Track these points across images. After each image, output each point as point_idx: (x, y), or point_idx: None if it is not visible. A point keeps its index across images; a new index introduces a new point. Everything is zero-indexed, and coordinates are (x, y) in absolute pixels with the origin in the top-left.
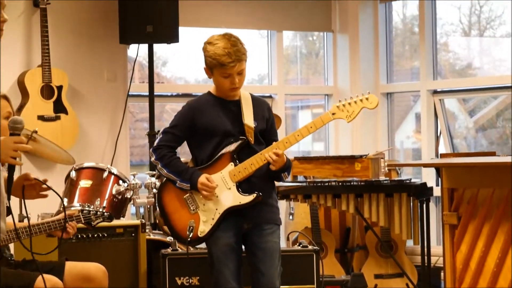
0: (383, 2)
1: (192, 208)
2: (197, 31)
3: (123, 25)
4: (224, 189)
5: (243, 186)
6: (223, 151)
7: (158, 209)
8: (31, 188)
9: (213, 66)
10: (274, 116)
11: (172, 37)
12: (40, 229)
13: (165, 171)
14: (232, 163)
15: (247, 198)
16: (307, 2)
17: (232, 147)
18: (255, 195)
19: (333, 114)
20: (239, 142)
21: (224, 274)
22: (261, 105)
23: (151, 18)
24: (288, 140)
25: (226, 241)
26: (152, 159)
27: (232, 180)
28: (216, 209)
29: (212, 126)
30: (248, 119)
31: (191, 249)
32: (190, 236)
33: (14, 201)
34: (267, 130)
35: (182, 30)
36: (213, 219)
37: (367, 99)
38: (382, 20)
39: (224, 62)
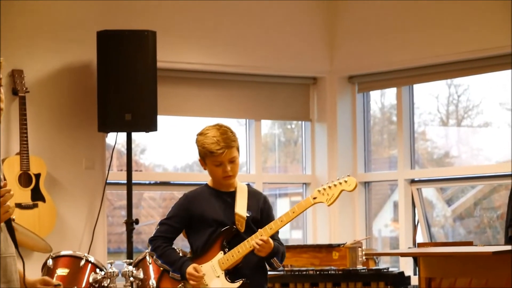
0: (361, 92)
1: None
2: (176, 119)
3: (102, 113)
4: (214, 277)
5: (231, 274)
6: (214, 240)
7: None
8: None
9: (204, 155)
10: (270, 206)
11: (150, 125)
12: None
13: (160, 262)
14: (222, 252)
15: (234, 285)
16: (285, 91)
17: (222, 235)
18: (241, 281)
19: (314, 198)
20: (229, 230)
21: None
22: (256, 196)
23: (130, 106)
24: (271, 226)
25: None
26: (148, 250)
27: (220, 268)
28: None
29: (206, 216)
30: (241, 209)
31: None
32: None
33: None
34: (262, 220)
35: (161, 119)
36: None
37: (345, 181)
38: (360, 109)
39: (213, 149)
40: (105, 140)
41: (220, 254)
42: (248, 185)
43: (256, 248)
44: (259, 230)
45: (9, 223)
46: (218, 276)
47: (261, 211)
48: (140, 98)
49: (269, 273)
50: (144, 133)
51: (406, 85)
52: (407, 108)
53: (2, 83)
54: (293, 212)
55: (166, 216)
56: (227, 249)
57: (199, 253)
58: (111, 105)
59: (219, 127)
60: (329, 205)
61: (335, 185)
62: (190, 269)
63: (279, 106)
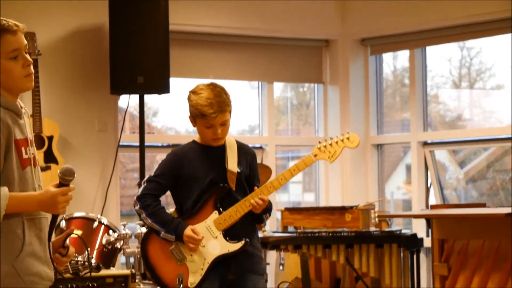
0: (374, 54)
1: (178, 259)
2: (188, 81)
3: (114, 76)
4: (211, 238)
5: (229, 234)
6: (206, 199)
7: (143, 261)
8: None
9: (195, 116)
10: (258, 164)
11: (162, 88)
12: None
13: (149, 221)
14: (216, 211)
15: (236, 246)
16: (298, 54)
17: (214, 195)
18: (243, 242)
19: (315, 155)
20: (221, 189)
21: None
22: (245, 151)
23: (142, 69)
24: (272, 185)
25: None
26: (136, 207)
27: (218, 229)
28: (205, 259)
29: (197, 175)
30: (232, 164)
31: None
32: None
33: None
34: (250, 176)
35: (173, 81)
36: (202, 269)
37: (348, 138)
38: (372, 72)
39: (206, 112)
40: (118, 103)
41: (215, 214)
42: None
43: (257, 207)
44: (258, 188)
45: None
46: (216, 237)
47: (250, 166)
48: (153, 61)
49: (282, 234)
50: (156, 95)
51: (419, 48)
52: (419, 70)
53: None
54: (294, 170)
55: (153, 174)
56: (221, 209)
57: (190, 214)
58: (123, 67)
59: (213, 87)
60: (331, 162)
61: (336, 142)
62: (188, 231)
63: (292, 68)
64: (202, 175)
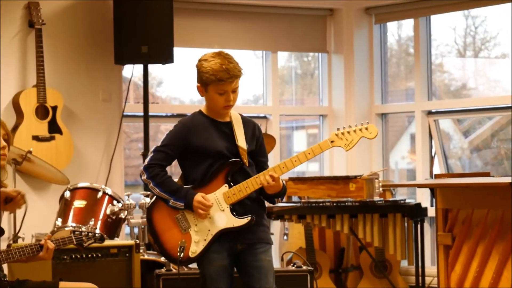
0: (378, 23)
1: (183, 228)
2: (192, 51)
3: (118, 45)
4: (218, 210)
5: (236, 208)
6: (217, 171)
7: (148, 227)
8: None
9: (209, 82)
10: (263, 136)
11: (167, 57)
12: (17, 254)
13: (158, 190)
14: (226, 185)
15: (241, 221)
16: (302, 23)
17: (226, 168)
18: (249, 218)
19: (332, 142)
20: (234, 163)
21: None
22: (250, 126)
23: (146, 38)
24: (285, 165)
25: (220, 262)
26: (143, 177)
27: (226, 202)
28: (209, 230)
29: (205, 147)
30: (241, 141)
31: (185, 269)
32: (181, 256)
33: (8, 221)
34: (255, 150)
35: (177, 51)
36: (205, 240)
37: (366, 128)
38: (377, 41)
39: (223, 77)
40: (122, 73)
41: (225, 187)
42: (253, 117)
43: (266, 185)
44: (270, 167)
45: None
46: (223, 210)
47: (256, 140)
48: (157, 30)
49: (286, 204)
50: (160, 65)
51: (423, 16)
52: (424, 39)
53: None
54: (309, 154)
55: (161, 144)
56: (231, 183)
57: (199, 184)
58: (127, 37)
59: (224, 54)
60: (347, 150)
61: (354, 131)
62: (198, 197)
63: (296, 37)
64: (211, 147)
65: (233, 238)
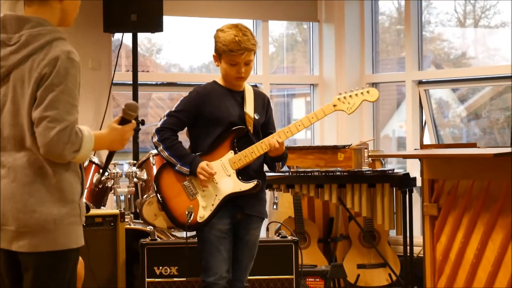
0: None
1: (191, 194)
2: (185, 20)
3: (107, 13)
4: (224, 176)
5: (242, 174)
6: (223, 138)
7: (156, 194)
8: None
9: (222, 52)
10: (271, 109)
11: (156, 26)
12: None
13: (166, 153)
14: (232, 151)
15: (248, 185)
16: None
17: (232, 135)
18: (255, 182)
19: (334, 105)
20: (239, 130)
21: (216, 258)
22: (261, 98)
23: (135, 7)
24: (289, 130)
25: (221, 227)
26: (154, 139)
27: (232, 168)
28: (216, 195)
29: (218, 115)
30: (249, 109)
31: (171, 238)
32: (189, 221)
33: None
34: (265, 122)
35: (168, 19)
36: (212, 205)
37: (368, 92)
38: (368, 10)
39: (234, 49)
40: (111, 41)
41: (231, 153)
42: (253, 86)
43: (271, 149)
44: (275, 132)
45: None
46: (229, 175)
47: (266, 112)
48: None
49: (274, 174)
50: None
51: None
52: (415, 8)
53: None
54: (312, 118)
55: (174, 109)
56: (237, 149)
57: (206, 151)
58: (116, 5)
59: (241, 27)
60: (349, 114)
61: (356, 95)
62: (203, 164)
63: (287, 6)
64: (223, 116)
65: (235, 206)
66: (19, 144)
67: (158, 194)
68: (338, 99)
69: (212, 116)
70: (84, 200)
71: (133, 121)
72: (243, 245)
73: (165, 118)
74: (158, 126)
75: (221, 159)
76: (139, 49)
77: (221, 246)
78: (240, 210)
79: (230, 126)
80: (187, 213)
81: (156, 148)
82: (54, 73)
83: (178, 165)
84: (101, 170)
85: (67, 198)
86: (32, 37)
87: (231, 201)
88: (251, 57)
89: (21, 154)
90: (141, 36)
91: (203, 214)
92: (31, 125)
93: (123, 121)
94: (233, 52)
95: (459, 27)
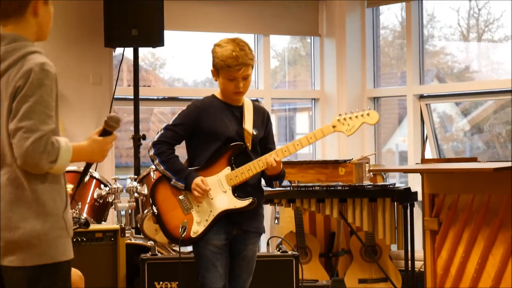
0: (371, 7)
1: (185, 208)
2: (186, 34)
3: (108, 28)
4: (220, 192)
5: (238, 191)
6: (220, 154)
7: (151, 205)
8: None
9: (219, 67)
10: (271, 124)
11: (157, 40)
12: None
13: (162, 167)
14: (229, 167)
15: (243, 203)
16: (294, 6)
17: (229, 151)
18: (250, 200)
19: (334, 127)
20: (237, 146)
21: (212, 273)
22: (260, 113)
23: (136, 21)
24: (287, 149)
25: (217, 243)
26: (151, 153)
27: (228, 184)
28: (211, 211)
29: (216, 130)
30: (248, 125)
31: (172, 253)
32: (183, 235)
33: None
34: (264, 137)
35: (172, 34)
36: (206, 220)
37: (368, 114)
38: (369, 24)
39: (231, 64)
40: (112, 55)
41: (228, 170)
42: (252, 100)
43: (267, 167)
44: (273, 150)
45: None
46: (225, 192)
47: (266, 126)
48: (147, 13)
49: (275, 188)
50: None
51: (415, 0)
52: (416, 23)
53: None
54: (311, 138)
55: (172, 122)
56: (234, 166)
57: (203, 166)
58: (117, 20)
59: (238, 41)
60: (348, 135)
61: (356, 117)
62: (197, 180)
63: (288, 21)
64: (221, 131)
65: (231, 222)
66: (1, 161)
67: (153, 207)
68: (338, 120)
69: (209, 131)
70: (72, 212)
71: (114, 133)
72: (241, 261)
73: (162, 131)
74: (155, 139)
75: (217, 174)
76: (142, 63)
77: (217, 262)
78: (236, 226)
79: (227, 141)
80: (180, 227)
81: (153, 161)
82: (27, 85)
83: (174, 180)
84: (102, 186)
85: (48, 212)
86: (7, 53)
87: (227, 217)
88: (249, 72)
89: (3, 171)
90: (144, 50)
91: (196, 229)
92: (9, 140)
93: (104, 132)
94: (230, 67)
95: (463, 41)
